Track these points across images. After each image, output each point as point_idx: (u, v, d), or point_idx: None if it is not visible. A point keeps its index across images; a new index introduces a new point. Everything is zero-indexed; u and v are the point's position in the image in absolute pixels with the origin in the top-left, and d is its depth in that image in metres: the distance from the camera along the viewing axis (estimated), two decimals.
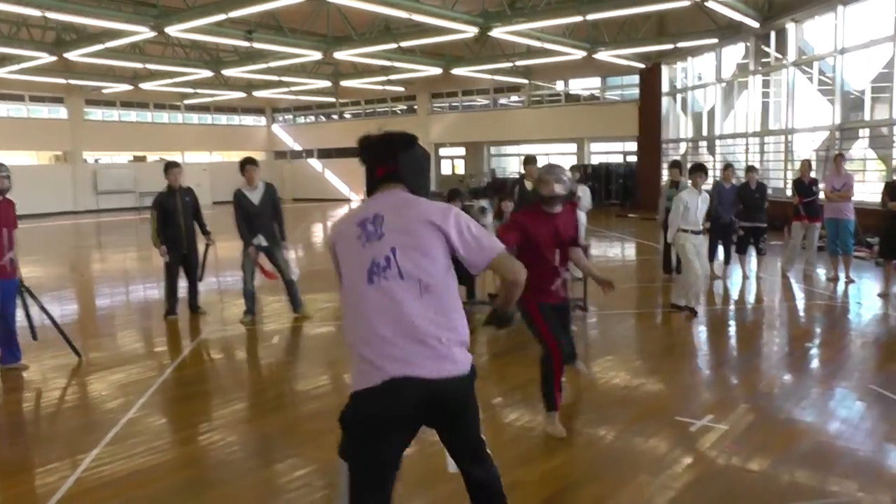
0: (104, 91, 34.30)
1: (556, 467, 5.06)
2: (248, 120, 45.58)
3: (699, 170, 9.83)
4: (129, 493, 4.74)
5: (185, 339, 9.03)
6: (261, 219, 9.51)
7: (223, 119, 44.01)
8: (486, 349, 8.68)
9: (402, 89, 36.89)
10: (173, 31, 19.85)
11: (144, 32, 19.74)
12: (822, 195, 12.85)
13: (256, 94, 36.68)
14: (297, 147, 45.06)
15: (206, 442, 5.81)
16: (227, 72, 28.87)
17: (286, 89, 35.31)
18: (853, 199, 12.31)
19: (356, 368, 3.17)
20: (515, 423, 5.91)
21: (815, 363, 8.04)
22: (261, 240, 9.50)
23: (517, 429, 5.80)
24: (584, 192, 12.00)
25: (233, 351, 8.84)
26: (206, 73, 28.80)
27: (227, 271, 13.24)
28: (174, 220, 9.92)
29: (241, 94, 36.66)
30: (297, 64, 27.88)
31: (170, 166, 10.14)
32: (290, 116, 46.07)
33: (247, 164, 9.53)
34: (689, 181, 9.83)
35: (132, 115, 39.81)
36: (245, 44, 22.25)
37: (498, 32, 21.22)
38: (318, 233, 24.21)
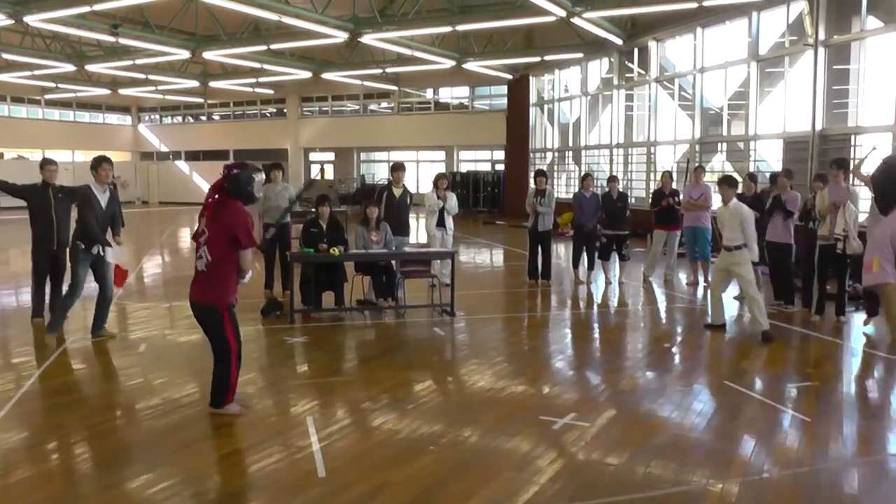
0: None
1: (423, 467, 5.12)
2: (113, 118, 44.07)
3: None
4: None
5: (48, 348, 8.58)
6: (103, 223, 8.67)
7: (86, 116, 42.37)
8: (354, 354, 8.72)
9: (271, 92, 36.50)
10: (33, 20, 19.08)
11: (0, 20, 18.85)
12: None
13: (122, 91, 35.51)
14: (164, 148, 43.85)
15: (69, 455, 5.56)
16: (90, 67, 27.93)
17: (153, 88, 34.35)
18: (710, 208, 12.90)
19: None
20: (383, 427, 5.94)
21: (674, 362, 8.42)
22: (103, 247, 8.62)
23: (385, 432, 5.83)
24: (451, 198, 12.24)
25: (98, 360, 8.42)
26: (69, 67, 27.80)
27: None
28: (46, 214, 9.09)
29: (106, 91, 35.42)
30: (164, 62, 27.26)
31: (46, 163, 9.26)
32: (157, 116, 44.81)
33: (103, 162, 8.59)
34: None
35: None
36: (110, 38, 21.55)
37: (368, 39, 21.35)
38: (185, 237, 23.59)
